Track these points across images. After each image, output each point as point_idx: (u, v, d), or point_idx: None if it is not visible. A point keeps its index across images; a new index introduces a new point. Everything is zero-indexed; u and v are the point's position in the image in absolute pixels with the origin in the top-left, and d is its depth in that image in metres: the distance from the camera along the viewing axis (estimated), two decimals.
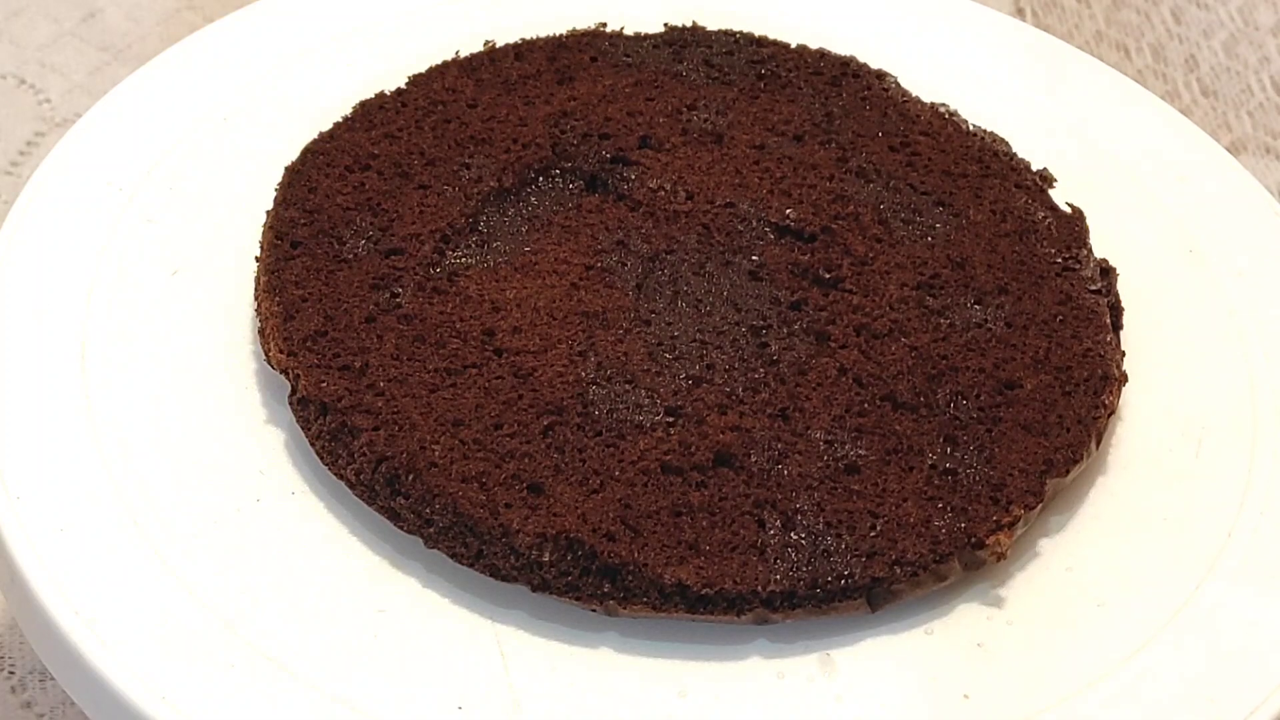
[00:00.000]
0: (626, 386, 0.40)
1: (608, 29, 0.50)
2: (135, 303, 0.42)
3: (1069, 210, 0.45)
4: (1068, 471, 0.39)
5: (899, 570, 0.37)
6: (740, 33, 0.50)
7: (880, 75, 0.49)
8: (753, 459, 0.39)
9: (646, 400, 0.40)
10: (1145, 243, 0.46)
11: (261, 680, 0.35)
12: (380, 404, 0.39)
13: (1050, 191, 0.46)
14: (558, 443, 0.38)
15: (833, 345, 0.41)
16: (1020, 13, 0.69)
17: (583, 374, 0.40)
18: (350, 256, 0.42)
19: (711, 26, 0.50)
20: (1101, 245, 0.45)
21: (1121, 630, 0.38)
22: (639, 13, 0.51)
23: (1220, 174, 0.48)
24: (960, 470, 0.39)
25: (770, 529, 0.37)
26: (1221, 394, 0.43)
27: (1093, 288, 0.43)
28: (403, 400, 0.39)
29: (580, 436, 0.39)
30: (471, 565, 0.37)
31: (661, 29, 0.50)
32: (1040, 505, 0.39)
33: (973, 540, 0.38)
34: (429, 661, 0.36)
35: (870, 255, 0.43)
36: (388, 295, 0.41)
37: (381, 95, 0.47)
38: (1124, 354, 0.43)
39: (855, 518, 0.38)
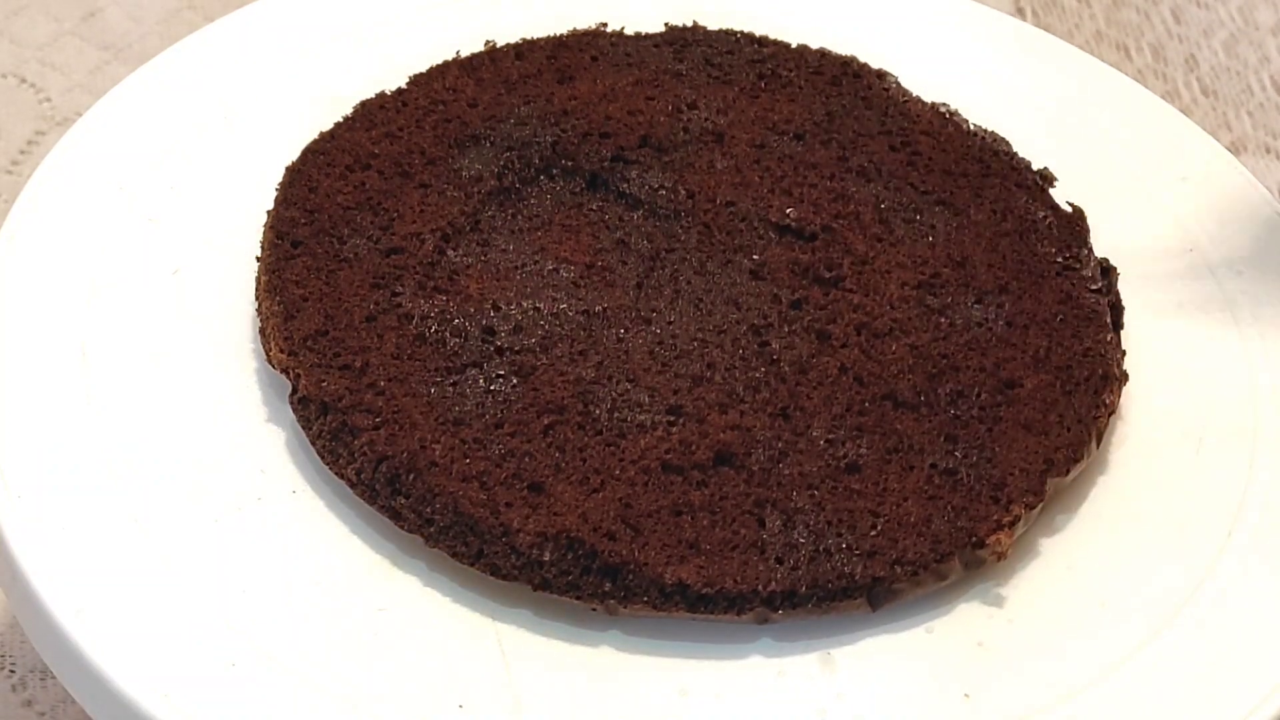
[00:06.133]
0: (627, 385, 0.40)
1: (608, 29, 0.50)
2: (136, 302, 0.42)
3: (1069, 209, 0.46)
4: (1068, 471, 0.39)
5: (899, 569, 0.37)
6: (741, 32, 0.50)
7: (881, 75, 0.49)
8: (753, 458, 0.39)
9: (647, 399, 0.40)
10: (1145, 243, 0.46)
11: (262, 679, 0.35)
12: (381, 403, 0.39)
13: (1050, 191, 0.46)
14: (558, 442, 0.39)
15: (833, 344, 0.41)
16: (1020, 12, 0.69)
17: (583, 373, 0.40)
18: (351, 256, 0.42)
19: (712, 26, 0.50)
20: (1101, 245, 0.45)
21: (1122, 629, 0.38)
22: (639, 12, 0.51)
23: (1220, 174, 0.48)
24: (961, 469, 0.39)
25: (771, 528, 0.37)
26: (1221, 394, 0.43)
27: (1093, 287, 0.43)
28: (403, 399, 0.39)
29: (581, 435, 0.39)
30: (472, 564, 0.37)
31: (662, 29, 0.50)
32: (1041, 504, 0.39)
33: (973, 539, 0.38)
34: (430, 660, 0.36)
35: (871, 254, 0.43)
36: (388, 294, 0.41)
37: (382, 95, 0.47)
38: (1124, 353, 0.43)
39: (856, 517, 0.38)
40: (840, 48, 0.50)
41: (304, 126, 0.46)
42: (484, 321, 0.41)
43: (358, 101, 0.47)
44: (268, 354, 0.41)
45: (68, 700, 0.46)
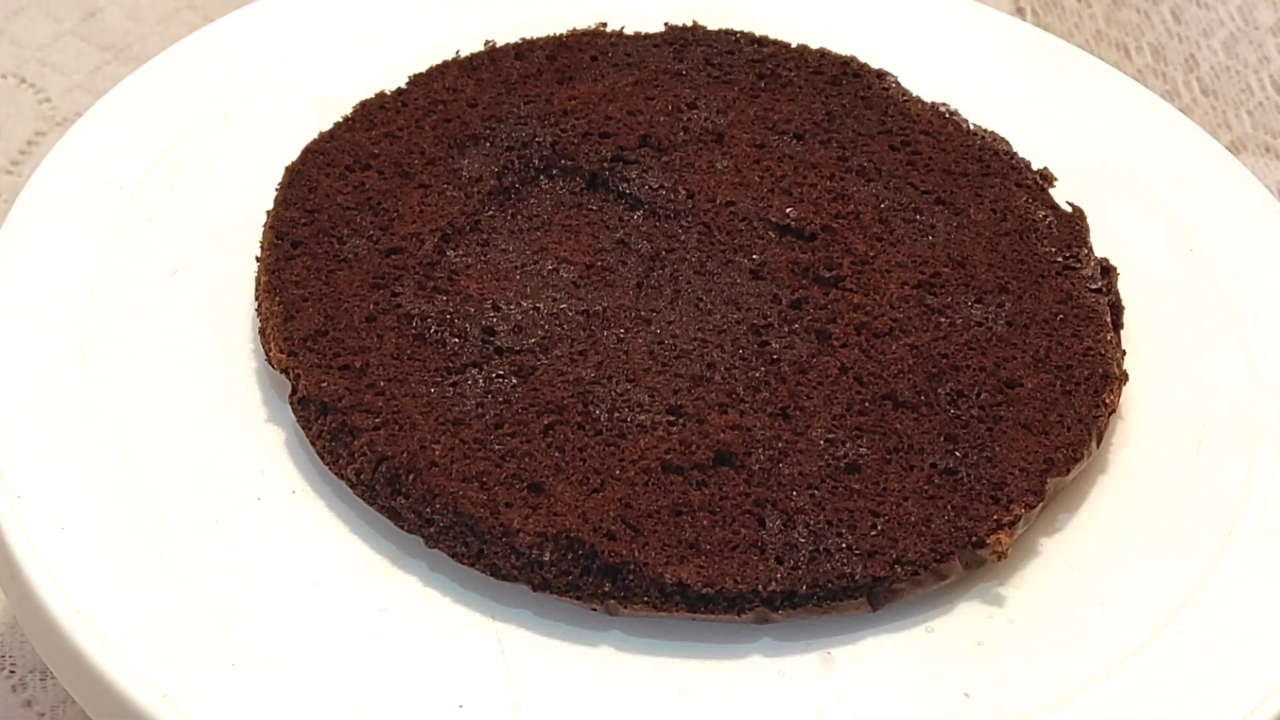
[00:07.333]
0: (627, 385, 0.40)
1: (608, 29, 0.50)
2: (135, 302, 0.42)
3: (1069, 209, 0.46)
4: (1068, 470, 0.39)
5: (900, 569, 0.37)
6: (741, 32, 0.50)
7: (880, 75, 0.49)
8: (753, 458, 0.39)
9: (647, 399, 0.40)
10: (1145, 243, 0.46)
11: (262, 679, 0.35)
12: (380, 403, 0.39)
13: (1050, 190, 0.46)
14: (558, 442, 0.38)
15: (833, 344, 0.41)
16: (1020, 12, 0.69)
17: (583, 373, 0.40)
18: (350, 256, 0.42)
19: (712, 26, 0.50)
20: (1101, 245, 0.45)
21: (1122, 630, 0.38)
22: (639, 12, 0.51)
23: (1220, 174, 0.48)
24: (961, 469, 0.39)
25: (771, 528, 0.37)
26: (1221, 394, 0.43)
27: (1093, 287, 0.43)
28: (403, 400, 0.39)
29: (581, 436, 0.39)
30: (472, 565, 0.37)
31: (662, 29, 0.50)
32: (1041, 504, 0.39)
33: (973, 539, 0.38)
34: (430, 660, 0.36)
35: (871, 254, 0.43)
36: (388, 294, 0.41)
37: (382, 95, 0.47)
38: (1124, 353, 0.43)
39: (856, 517, 0.38)
40: (840, 48, 0.50)
41: (304, 126, 0.46)
42: (484, 321, 0.41)
43: (358, 101, 0.47)
44: (267, 354, 0.41)
45: (68, 700, 0.46)
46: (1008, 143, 0.47)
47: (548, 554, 0.37)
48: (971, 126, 0.48)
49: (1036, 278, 0.43)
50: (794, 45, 0.50)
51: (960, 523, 0.38)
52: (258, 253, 0.43)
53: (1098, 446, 0.40)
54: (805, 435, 0.39)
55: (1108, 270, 0.44)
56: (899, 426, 0.40)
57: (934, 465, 0.39)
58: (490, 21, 0.51)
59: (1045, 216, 0.45)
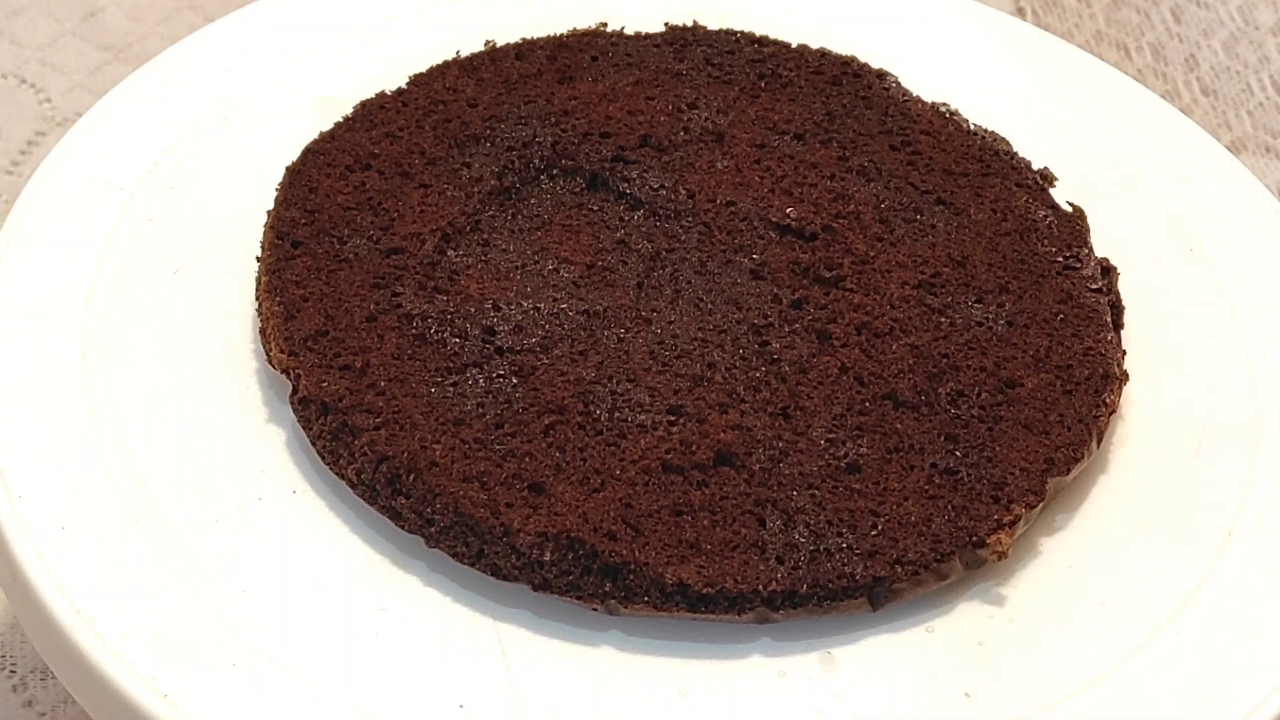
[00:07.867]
0: (628, 385, 0.40)
1: (608, 29, 0.50)
2: (136, 302, 0.42)
3: (1070, 209, 0.46)
4: (1069, 470, 0.39)
5: (900, 569, 0.37)
6: (741, 32, 0.50)
7: (881, 75, 0.49)
8: (754, 458, 0.39)
9: (648, 399, 0.40)
10: (1145, 243, 0.46)
11: (262, 679, 0.35)
12: (381, 403, 0.39)
13: (1050, 190, 0.46)
14: (559, 442, 0.39)
15: (834, 344, 0.41)
16: (1020, 12, 0.69)
17: (584, 373, 0.40)
18: (351, 256, 0.42)
19: (712, 26, 0.50)
20: (1101, 245, 0.45)
21: (1122, 629, 0.38)
22: (639, 12, 0.51)
23: (1220, 174, 0.48)
24: (961, 469, 0.39)
25: (771, 528, 0.37)
26: (1221, 394, 0.43)
27: (1093, 286, 0.43)
28: (403, 400, 0.39)
29: (581, 436, 0.39)
30: (473, 565, 0.37)
31: (662, 29, 0.50)
32: (1041, 504, 0.39)
33: (974, 539, 0.38)
34: (430, 660, 0.36)
35: (871, 254, 0.43)
36: (388, 295, 0.41)
37: (382, 95, 0.47)
38: (1125, 353, 0.43)
39: (856, 517, 0.38)
40: (840, 48, 0.50)
41: (304, 126, 0.46)
42: (484, 321, 0.41)
43: (358, 101, 0.47)
44: (268, 354, 0.41)
45: (68, 700, 0.46)
46: (1008, 143, 0.47)
47: (548, 554, 0.37)
48: (971, 126, 0.48)
49: (1037, 278, 0.43)
50: (794, 45, 0.50)
51: (960, 523, 0.38)
52: (258, 253, 0.43)
53: (1098, 446, 0.40)
54: (806, 435, 0.39)
55: (1108, 270, 0.44)
56: (899, 426, 0.40)
57: (934, 465, 0.39)
58: (490, 21, 0.51)
59: (1045, 216, 0.45)
